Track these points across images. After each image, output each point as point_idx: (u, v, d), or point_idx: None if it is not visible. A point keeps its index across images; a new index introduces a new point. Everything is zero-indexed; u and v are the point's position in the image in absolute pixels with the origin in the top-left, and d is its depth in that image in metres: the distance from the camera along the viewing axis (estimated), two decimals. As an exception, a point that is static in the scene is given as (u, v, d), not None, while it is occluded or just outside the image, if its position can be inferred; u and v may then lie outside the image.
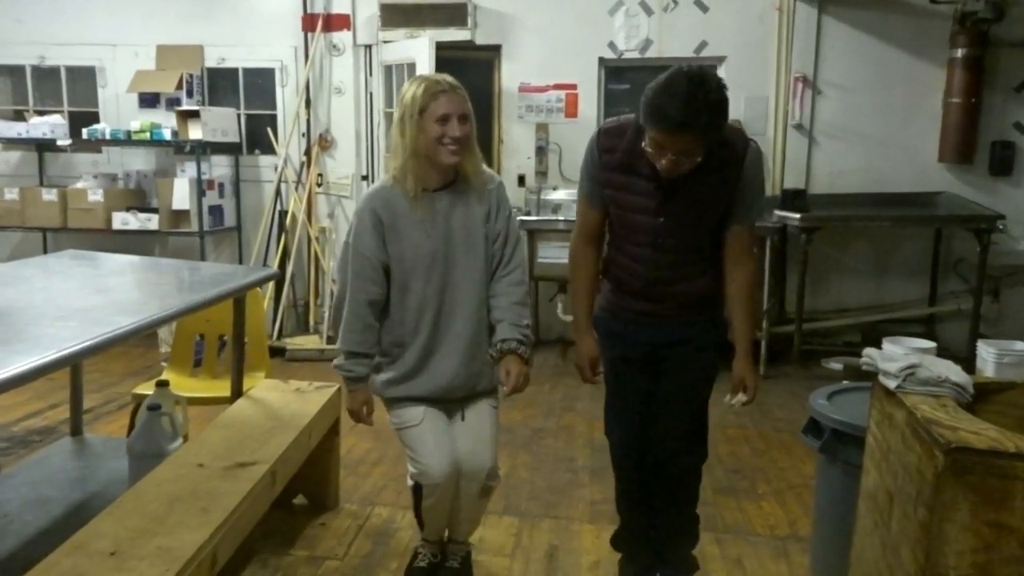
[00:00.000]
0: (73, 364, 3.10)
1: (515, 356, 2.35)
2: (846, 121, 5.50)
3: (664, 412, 2.34)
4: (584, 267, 2.35)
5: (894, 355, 2.08)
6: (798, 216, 4.93)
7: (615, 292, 2.34)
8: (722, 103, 1.96)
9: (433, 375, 2.38)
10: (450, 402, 2.43)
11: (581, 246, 2.35)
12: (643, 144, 2.05)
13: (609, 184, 2.21)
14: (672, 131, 1.94)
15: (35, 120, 5.77)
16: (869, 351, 2.15)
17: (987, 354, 2.40)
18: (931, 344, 2.50)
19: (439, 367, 2.37)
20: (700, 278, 2.25)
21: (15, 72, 6.20)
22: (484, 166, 2.41)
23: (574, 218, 5.15)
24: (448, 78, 2.28)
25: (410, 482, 2.43)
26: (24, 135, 5.71)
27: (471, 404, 2.45)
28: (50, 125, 5.69)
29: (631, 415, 2.38)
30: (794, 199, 5.09)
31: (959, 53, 5.17)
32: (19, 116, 6.06)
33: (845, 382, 2.81)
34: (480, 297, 2.38)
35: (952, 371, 1.98)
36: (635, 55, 5.63)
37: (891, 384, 1.97)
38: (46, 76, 6.16)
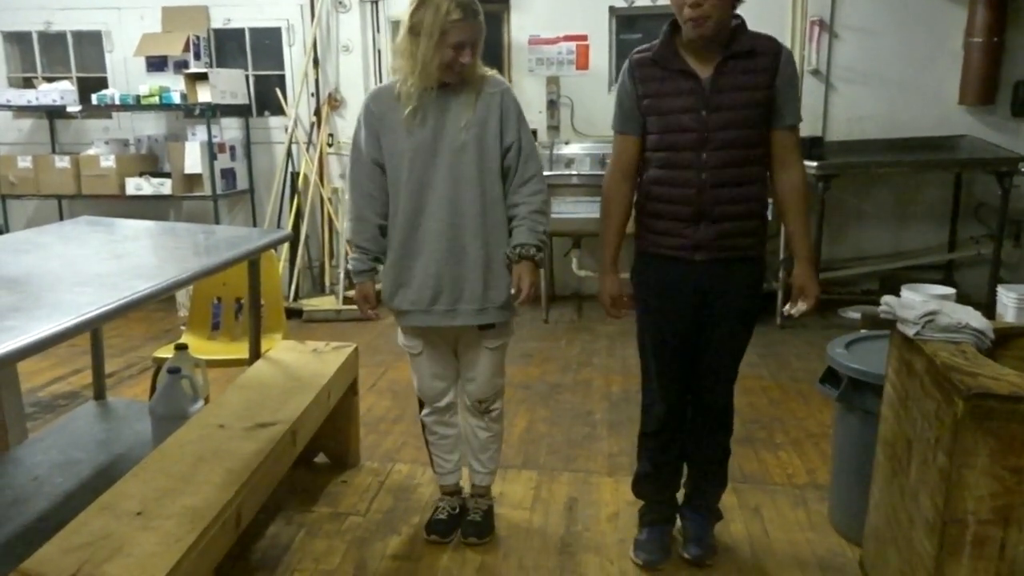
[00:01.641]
0: (93, 329, 3.13)
1: (530, 262, 2.35)
2: (864, 65, 5.38)
3: (706, 358, 2.33)
4: (617, 201, 2.33)
5: (913, 303, 2.06)
6: (815, 164, 4.85)
7: (657, 222, 2.27)
8: None
9: (414, 282, 2.39)
10: (443, 327, 2.43)
11: (616, 180, 2.32)
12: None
13: (647, 94, 2.21)
14: None
15: (44, 87, 5.75)
16: (887, 299, 2.13)
17: (1007, 299, 2.38)
18: (950, 291, 2.48)
19: (420, 272, 2.38)
20: (750, 186, 2.21)
21: (22, 39, 6.17)
22: (488, 70, 2.39)
23: (587, 172, 5.11)
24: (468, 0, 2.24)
25: (418, 412, 2.60)
26: (34, 102, 5.70)
27: (469, 342, 2.46)
28: (59, 92, 5.68)
29: (676, 366, 2.36)
30: (811, 147, 5.00)
31: (981, -9, 5.02)
32: (28, 83, 6.05)
33: (863, 331, 2.79)
34: (465, 199, 2.33)
35: (972, 317, 1.96)
36: (647, 3, 5.51)
37: (910, 332, 1.96)
38: (53, 42, 6.13)
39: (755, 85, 2.14)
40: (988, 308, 2.24)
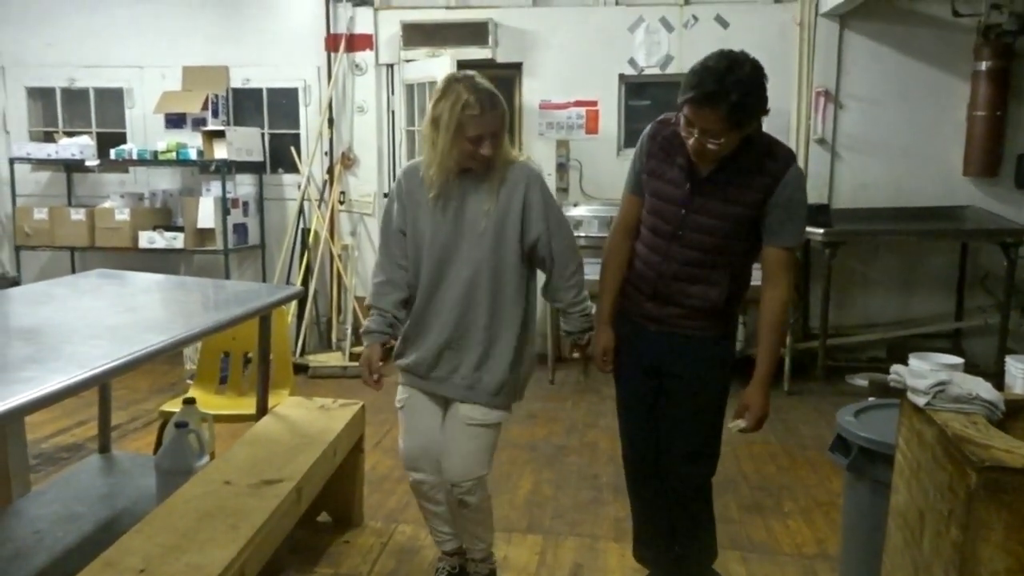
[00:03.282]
0: (103, 382, 3.14)
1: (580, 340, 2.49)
2: (869, 134, 5.48)
3: (668, 428, 2.34)
4: (616, 257, 2.38)
5: (923, 372, 2.06)
6: (821, 231, 4.89)
7: (629, 287, 2.35)
8: (753, 83, 1.95)
9: (421, 347, 2.44)
10: (436, 394, 2.46)
11: (618, 237, 2.38)
12: (677, 119, 2.09)
13: (647, 169, 2.25)
14: (700, 103, 1.95)
15: (64, 141, 5.88)
16: (897, 367, 2.13)
17: (1016, 370, 2.38)
18: (958, 360, 2.48)
19: (429, 339, 2.42)
20: (714, 287, 2.21)
21: (46, 94, 6.32)
22: (520, 155, 2.44)
23: (595, 235, 5.16)
24: (487, 90, 2.27)
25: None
26: (54, 156, 5.82)
27: (454, 413, 2.44)
28: (79, 146, 5.79)
29: (638, 421, 2.40)
30: (817, 214, 5.05)
31: (983, 66, 5.13)
32: (49, 138, 6.18)
33: (871, 399, 2.78)
34: (479, 283, 2.35)
35: (982, 388, 1.95)
36: (655, 71, 5.65)
37: (920, 401, 1.95)
38: (75, 98, 6.28)
39: (743, 202, 2.12)
40: (996, 378, 2.23)
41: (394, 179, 5.88)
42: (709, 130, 1.97)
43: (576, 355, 2.54)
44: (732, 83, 1.91)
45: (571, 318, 2.47)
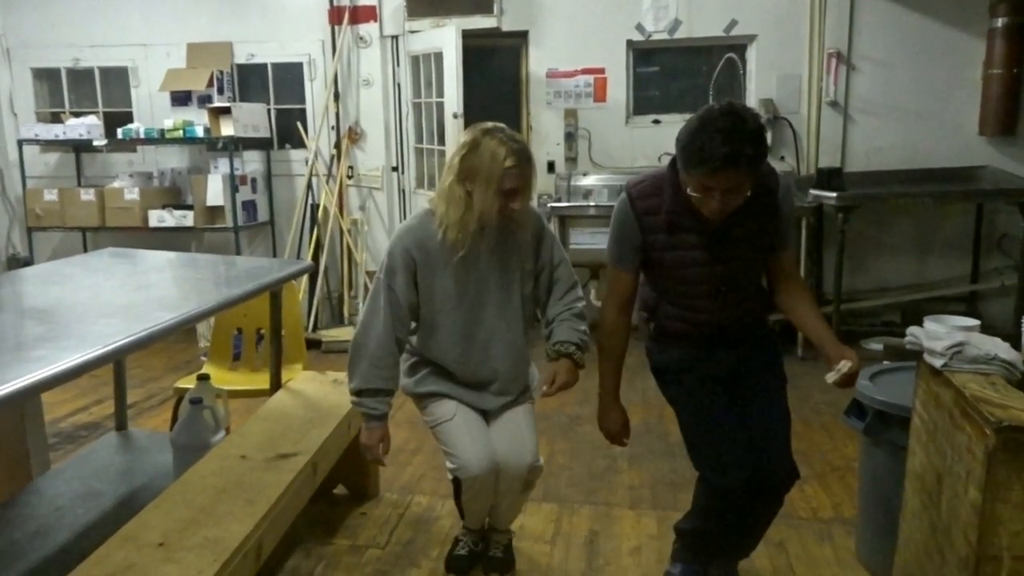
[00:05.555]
0: (117, 360, 3.15)
1: (568, 360, 2.36)
2: (882, 96, 5.39)
3: (765, 424, 2.24)
4: (617, 336, 2.28)
5: (939, 334, 2.04)
6: (834, 195, 4.84)
7: (677, 335, 2.27)
8: (761, 132, 1.95)
9: (479, 401, 2.43)
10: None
11: (615, 315, 2.26)
12: (688, 190, 2.00)
13: (653, 247, 2.16)
14: (718, 169, 1.90)
15: (71, 122, 5.87)
16: (913, 330, 2.11)
17: (1035, 330, 2.34)
18: (975, 322, 2.44)
19: (483, 398, 2.42)
20: (756, 302, 2.27)
21: (51, 75, 6.31)
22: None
23: (604, 203, 5.12)
24: (521, 143, 2.23)
25: (450, 476, 2.42)
26: (61, 136, 5.81)
27: (508, 405, 2.46)
28: (86, 126, 5.79)
29: (723, 430, 2.23)
30: (830, 178, 4.99)
31: (999, 23, 5.02)
32: (56, 118, 6.17)
33: (886, 362, 2.76)
34: (516, 330, 2.39)
35: (1000, 348, 1.93)
36: (664, 36, 5.56)
37: (938, 363, 1.93)
38: (81, 78, 6.27)
39: (761, 230, 2.14)
40: (1013, 339, 2.20)
41: (401, 155, 5.90)
42: (732, 188, 1.95)
43: (547, 389, 2.31)
44: (744, 138, 1.89)
45: (561, 328, 2.38)
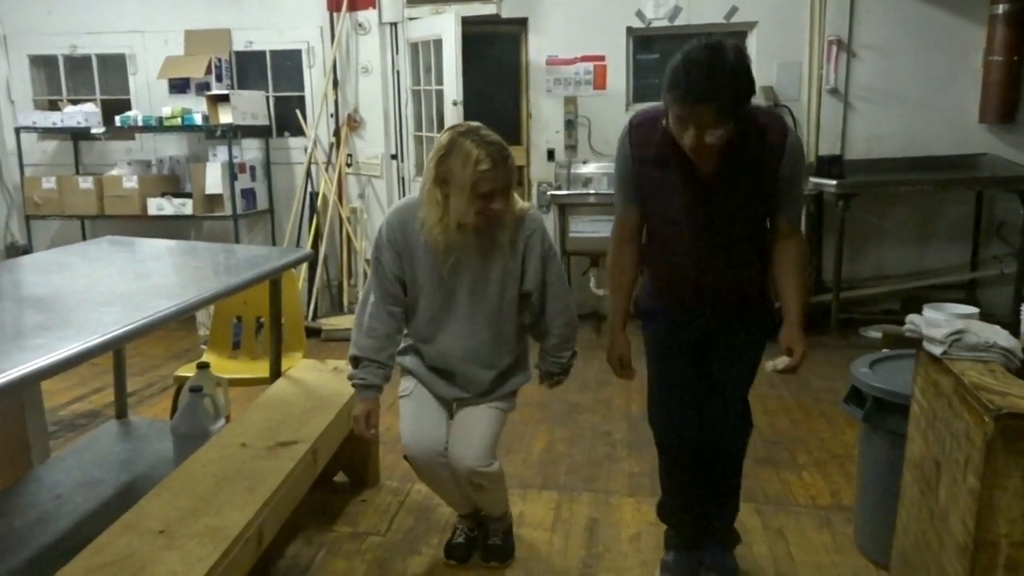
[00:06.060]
0: (116, 348, 3.15)
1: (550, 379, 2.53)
2: (883, 84, 5.37)
3: (716, 400, 2.29)
4: (624, 268, 2.28)
5: (939, 321, 2.04)
6: (834, 183, 4.83)
7: (661, 285, 2.28)
8: (741, 70, 1.87)
9: (433, 384, 2.46)
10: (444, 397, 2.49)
11: (616, 250, 2.27)
12: (666, 123, 1.97)
13: (645, 180, 2.13)
14: (692, 102, 1.86)
15: (69, 109, 5.85)
16: (913, 317, 2.11)
17: (1034, 318, 2.34)
18: (974, 310, 2.44)
19: (438, 384, 2.46)
20: (745, 268, 2.19)
21: (48, 62, 6.28)
22: (523, 203, 2.36)
23: (604, 191, 5.09)
24: (496, 143, 2.20)
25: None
26: (59, 124, 5.79)
27: (470, 402, 2.46)
28: (84, 114, 5.76)
29: (678, 397, 2.32)
30: (830, 165, 4.99)
31: (1000, 9, 5.00)
32: (54, 106, 6.14)
33: (885, 350, 2.77)
34: (479, 337, 2.38)
35: (1000, 336, 1.93)
36: (664, 23, 5.53)
37: (937, 350, 1.94)
38: (78, 65, 6.24)
39: (756, 184, 2.07)
40: (1012, 327, 2.20)
41: (400, 143, 5.88)
42: (706, 124, 1.89)
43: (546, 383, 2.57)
44: (720, 74, 1.83)
45: (547, 361, 2.51)
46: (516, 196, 2.33)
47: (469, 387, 2.45)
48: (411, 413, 2.44)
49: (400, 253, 2.34)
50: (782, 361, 2.15)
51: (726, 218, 2.10)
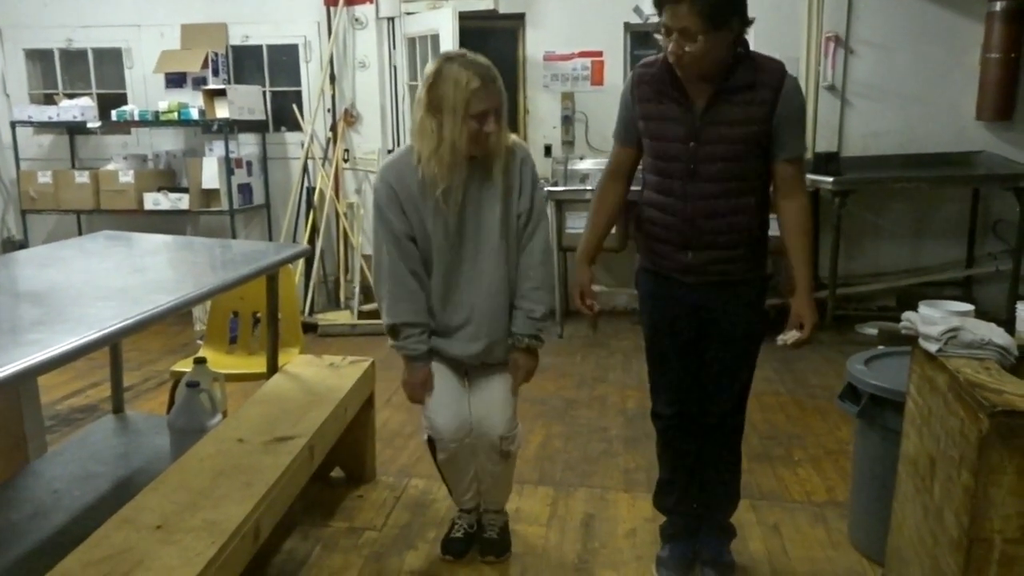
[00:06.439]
0: (113, 343, 3.15)
1: (524, 352, 2.42)
2: (880, 80, 5.38)
3: (714, 377, 2.31)
4: (605, 199, 2.33)
5: (934, 319, 2.05)
6: (831, 179, 4.84)
7: (657, 244, 2.27)
8: None
9: (450, 347, 2.42)
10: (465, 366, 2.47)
11: (607, 181, 2.34)
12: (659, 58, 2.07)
13: (643, 115, 2.19)
14: (663, 2, 1.96)
15: (65, 103, 5.83)
16: (908, 315, 2.12)
17: (1029, 315, 2.35)
18: (969, 307, 2.45)
19: (455, 344, 2.41)
20: (743, 215, 2.17)
21: (44, 56, 6.25)
22: (512, 136, 2.38)
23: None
24: (484, 63, 2.22)
25: (424, 436, 2.47)
26: (55, 118, 5.77)
27: (485, 370, 2.46)
28: (80, 108, 5.75)
29: (677, 376, 2.34)
30: (827, 162, 4.99)
31: (998, 6, 5.00)
32: (49, 100, 6.13)
33: (881, 347, 2.78)
34: (495, 272, 2.36)
35: (995, 333, 1.94)
36: (661, 19, 5.52)
37: (932, 348, 1.94)
38: (74, 59, 6.21)
39: (750, 119, 2.08)
40: (1007, 324, 2.22)
41: (397, 138, 5.87)
42: (685, 30, 1.95)
43: (515, 379, 2.44)
44: None
45: (520, 318, 2.39)
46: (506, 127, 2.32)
47: (483, 331, 2.38)
48: (438, 394, 2.42)
49: (403, 207, 2.31)
50: (792, 335, 2.15)
51: (715, 147, 2.11)
